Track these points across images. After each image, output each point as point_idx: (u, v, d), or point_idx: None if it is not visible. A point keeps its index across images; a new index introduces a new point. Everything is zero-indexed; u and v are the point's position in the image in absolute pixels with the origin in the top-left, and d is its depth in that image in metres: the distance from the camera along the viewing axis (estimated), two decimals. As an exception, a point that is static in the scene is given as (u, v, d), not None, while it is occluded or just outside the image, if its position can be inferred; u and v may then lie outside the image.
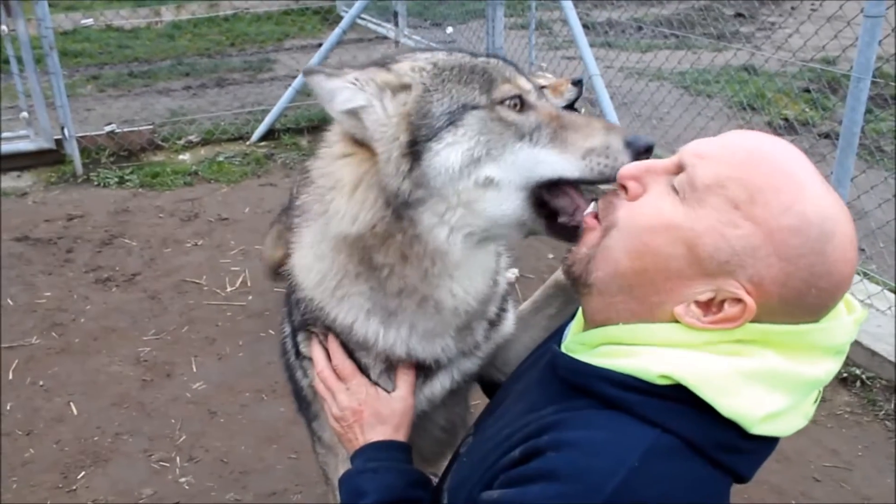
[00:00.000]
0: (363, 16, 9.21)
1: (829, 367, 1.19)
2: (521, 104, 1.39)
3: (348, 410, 1.59)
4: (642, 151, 1.29)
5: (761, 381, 1.13)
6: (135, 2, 11.99)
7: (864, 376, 3.91)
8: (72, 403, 3.84)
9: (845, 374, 3.93)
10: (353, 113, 1.40)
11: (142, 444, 3.57)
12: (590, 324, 1.32)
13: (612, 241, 1.22)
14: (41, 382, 4.00)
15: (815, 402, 1.23)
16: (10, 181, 6.40)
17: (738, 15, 11.59)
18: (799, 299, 1.13)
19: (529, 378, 1.46)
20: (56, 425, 3.70)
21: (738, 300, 1.13)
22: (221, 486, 3.33)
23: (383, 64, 1.45)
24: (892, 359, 3.90)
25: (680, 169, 1.20)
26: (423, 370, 1.61)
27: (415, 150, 1.36)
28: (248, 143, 7.15)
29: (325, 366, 1.63)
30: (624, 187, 1.25)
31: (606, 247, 1.23)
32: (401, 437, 1.58)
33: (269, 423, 3.69)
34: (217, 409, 3.80)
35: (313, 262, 1.56)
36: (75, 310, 4.62)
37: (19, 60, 6.26)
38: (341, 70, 1.42)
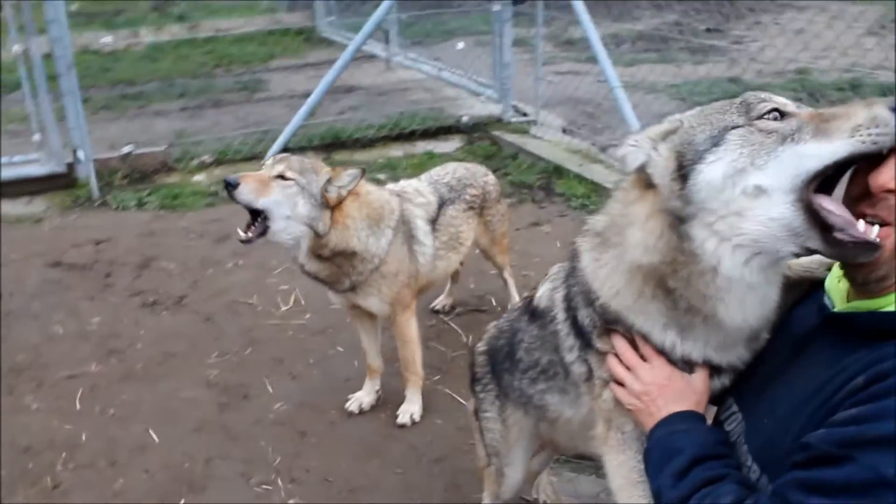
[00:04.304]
0: (350, 35, 9.21)
1: None
2: (780, 115, 1.46)
3: (653, 385, 1.67)
4: None
5: None
6: (108, 25, 11.74)
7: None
8: (150, 431, 3.69)
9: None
10: (640, 168, 1.61)
11: (237, 469, 3.45)
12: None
13: None
14: (111, 411, 3.84)
15: None
16: (21, 207, 6.18)
17: (710, 30, 11.96)
18: None
19: (793, 348, 1.57)
20: (139, 454, 3.54)
21: None
22: (332, 505, 3.25)
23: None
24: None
25: None
26: (713, 369, 1.71)
27: (683, 173, 1.52)
28: (261, 162, 7.01)
29: (627, 348, 1.72)
30: (890, 190, 1.34)
31: None
32: (700, 411, 1.67)
33: (364, 440, 3.62)
34: (306, 429, 3.70)
35: (609, 277, 1.69)
36: (129, 335, 4.46)
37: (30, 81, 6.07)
38: (628, 137, 1.66)
